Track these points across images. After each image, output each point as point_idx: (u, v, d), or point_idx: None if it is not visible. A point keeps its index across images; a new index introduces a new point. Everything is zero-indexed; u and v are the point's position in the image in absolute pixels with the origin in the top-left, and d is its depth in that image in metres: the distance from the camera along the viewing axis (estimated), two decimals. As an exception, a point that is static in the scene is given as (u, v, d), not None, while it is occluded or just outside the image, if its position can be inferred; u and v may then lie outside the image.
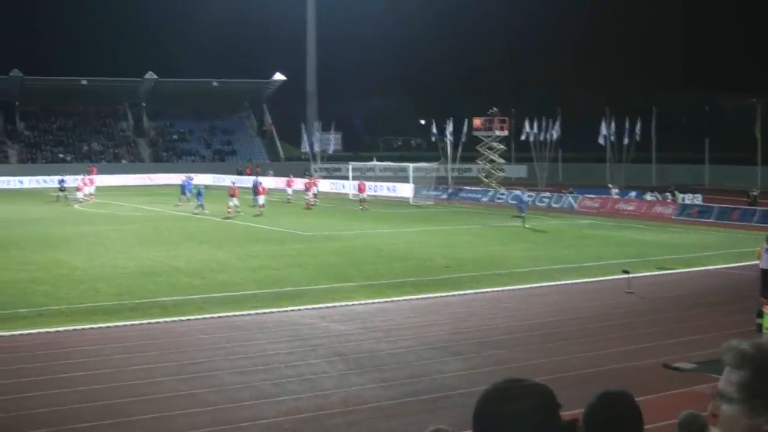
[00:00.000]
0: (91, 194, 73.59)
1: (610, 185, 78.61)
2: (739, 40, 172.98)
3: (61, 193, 75.10)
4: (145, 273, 35.15)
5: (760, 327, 20.64)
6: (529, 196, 61.69)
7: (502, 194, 77.57)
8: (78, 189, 74.32)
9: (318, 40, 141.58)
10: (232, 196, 62.23)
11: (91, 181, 76.07)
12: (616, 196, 72.90)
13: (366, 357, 22.28)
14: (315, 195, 72.13)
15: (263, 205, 63.02)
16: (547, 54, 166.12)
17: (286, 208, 68.76)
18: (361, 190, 72.15)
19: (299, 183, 78.13)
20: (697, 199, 71.62)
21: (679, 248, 45.33)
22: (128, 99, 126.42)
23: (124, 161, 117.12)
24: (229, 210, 61.09)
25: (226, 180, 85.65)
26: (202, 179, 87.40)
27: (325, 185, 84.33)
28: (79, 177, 79.00)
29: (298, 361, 21.73)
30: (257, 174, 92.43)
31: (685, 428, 6.00)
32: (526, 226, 54.68)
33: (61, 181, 78.32)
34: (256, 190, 65.71)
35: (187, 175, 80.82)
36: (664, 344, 23.59)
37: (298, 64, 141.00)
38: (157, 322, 26.14)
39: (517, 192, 58.76)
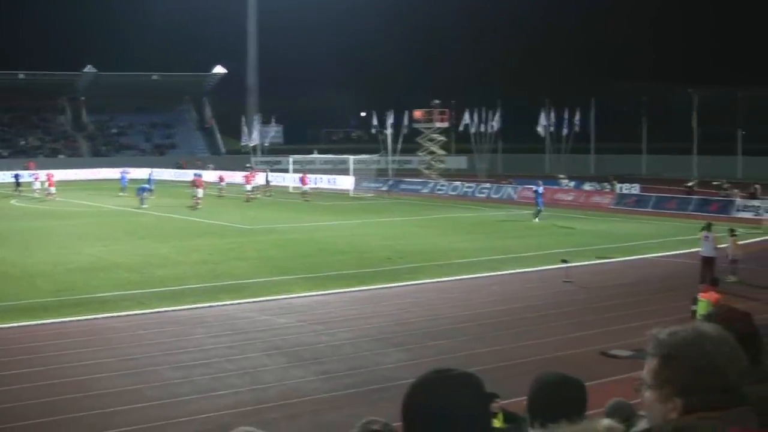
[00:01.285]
0: (52, 193, 72.03)
1: (560, 176, 78.86)
2: (678, 33, 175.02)
3: (17, 189, 74.72)
4: (85, 269, 34.68)
5: (694, 313, 20.85)
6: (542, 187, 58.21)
7: (443, 185, 77.74)
8: (43, 182, 72.82)
9: (259, 33, 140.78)
10: (197, 187, 63.16)
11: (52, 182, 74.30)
12: (566, 188, 73.27)
13: (306, 350, 22.15)
14: (256, 188, 71.79)
15: (200, 198, 63.07)
16: (489, 47, 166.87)
17: (227, 201, 68.23)
18: (303, 182, 71.95)
19: (260, 177, 77.08)
20: (635, 189, 72.27)
21: (618, 237, 45.66)
22: (67, 93, 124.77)
23: (61, 156, 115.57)
24: (198, 201, 61.93)
25: (165, 174, 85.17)
26: (156, 174, 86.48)
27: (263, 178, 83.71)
28: (41, 173, 77.83)
29: (237, 355, 21.56)
30: (199, 168, 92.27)
31: (613, 415, 5.96)
32: (535, 220, 53.16)
33: (17, 176, 77.85)
34: (194, 183, 65.65)
35: (123, 168, 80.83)
36: (602, 332, 23.75)
37: (239, 57, 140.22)
38: (97, 318, 25.80)
39: (537, 187, 56.23)
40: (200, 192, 63.58)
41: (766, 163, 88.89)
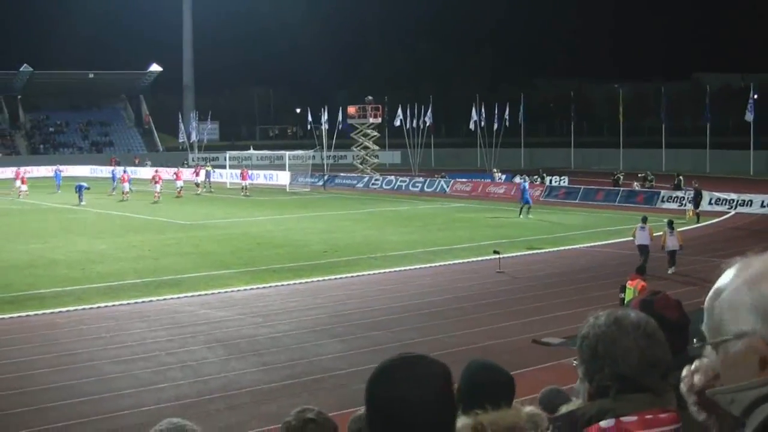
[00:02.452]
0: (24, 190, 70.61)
1: (494, 170, 79.26)
2: (605, 30, 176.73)
3: None
4: (23, 266, 34.16)
5: (622, 301, 21.11)
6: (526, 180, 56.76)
7: (377, 180, 77.87)
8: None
9: (194, 31, 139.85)
10: (156, 182, 65.05)
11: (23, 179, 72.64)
12: (499, 181, 73.76)
13: (245, 342, 22.09)
14: (197, 185, 71.44)
15: (128, 192, 65.26)
16: (421, 44, 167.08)
17: (165, 197, 67.64)
18: (243, 177, 71.66)
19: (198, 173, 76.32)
20: (564, 182, 72.98)
21: (548, 228, 46.09)
22: (3, 92, 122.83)
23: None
24: (157, 195, 63.69)
25: (104, 171, 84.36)
26: (96, 171, 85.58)
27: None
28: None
29: (177, 349, 21.42)
30: (138, 166, 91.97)
31: (546, 403, 6.00)
32: (529, 216, 50.96)
33: None
34: (121, 178, 67.91)
35: (57, 167, 79.96)
36: (534, 321, 23.97)
37: (175, 55, 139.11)
38: (36, 315, 25.46)
39: (522, 183, 54.57)
40: (126, 186, 65.67)
41: (688, 155, 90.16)
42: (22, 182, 69.62)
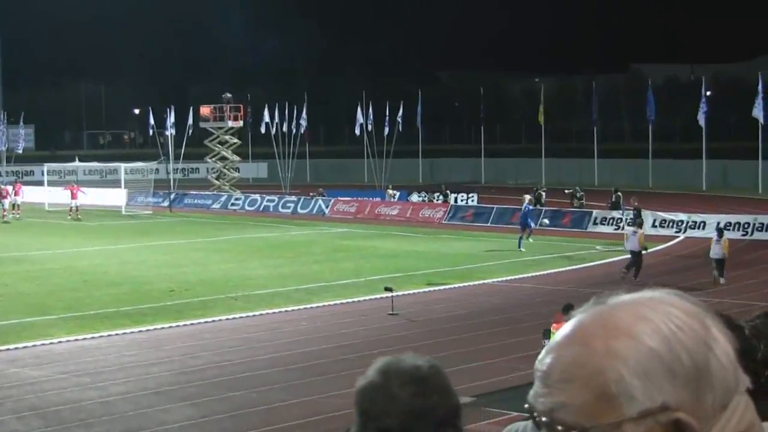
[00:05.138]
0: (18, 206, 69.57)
1: (388, 186, 78.58)
2: (523, 11, 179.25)
3: None
4: None
5: (547, 349, 21.37)
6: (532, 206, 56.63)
7: (238, 199, 77.57)
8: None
9: (1, 19, 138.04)
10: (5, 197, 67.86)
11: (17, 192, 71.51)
12: (392, 200, 73.49)
13: (68, 409, 21.83)
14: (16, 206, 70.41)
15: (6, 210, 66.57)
16: (294, 25, 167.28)
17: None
18: (74, 196, 70.63)
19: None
20: (473, 200, 73.58)
21: (452, 259, 46.48)
22: None
23: None
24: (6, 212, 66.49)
25: None
26: None
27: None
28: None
29: (-21, 419, 21.08)
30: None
31: None
32: (529, 240, 51.31)
33: None
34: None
35: None
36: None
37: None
38: None
39: (527, 205, 53.40)
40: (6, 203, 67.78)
41: (626, 165, 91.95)
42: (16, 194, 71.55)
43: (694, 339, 1.77)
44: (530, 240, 51.39)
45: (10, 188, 71.95)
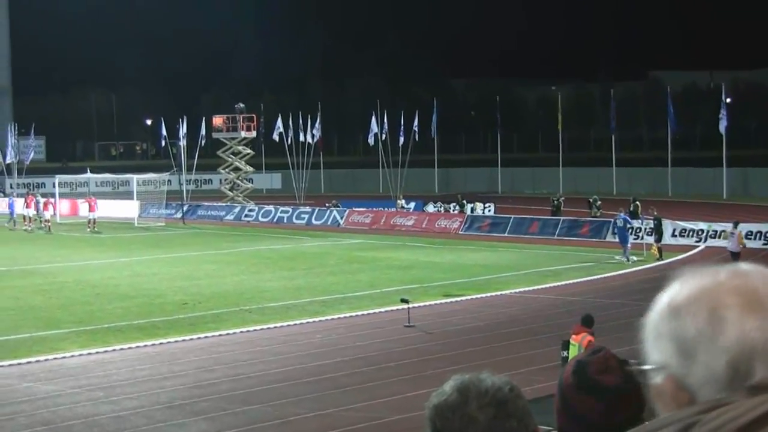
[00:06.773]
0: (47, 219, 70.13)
1: (400, 197, 78.43)
2: (540, 19, 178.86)
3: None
4: None
5: (565, 360, 21.21)
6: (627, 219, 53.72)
7: (251, 210, 77.57)
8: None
9: (12, 23, 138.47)
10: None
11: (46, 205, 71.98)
12: (403, 210, 73.51)
13: (81, 424, 21.84)
14: (29, 219, 70.72)
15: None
16: (308, 34, 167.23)
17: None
18: (92, 209, 70.71)
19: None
20: (490, 210, 73.50)
21: (469, 270, 46.42)
22: None
23: None
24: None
25: None
26: None
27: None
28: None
29: (-9, 435, 21.12)
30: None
31: None
32: (633, 258, 49.83)
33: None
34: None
35: None
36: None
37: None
38: None
39: (620, 215, 52.12)
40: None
41: (645, 174, 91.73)
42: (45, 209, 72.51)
43: None
44: (634, 258, 49.65)
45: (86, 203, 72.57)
